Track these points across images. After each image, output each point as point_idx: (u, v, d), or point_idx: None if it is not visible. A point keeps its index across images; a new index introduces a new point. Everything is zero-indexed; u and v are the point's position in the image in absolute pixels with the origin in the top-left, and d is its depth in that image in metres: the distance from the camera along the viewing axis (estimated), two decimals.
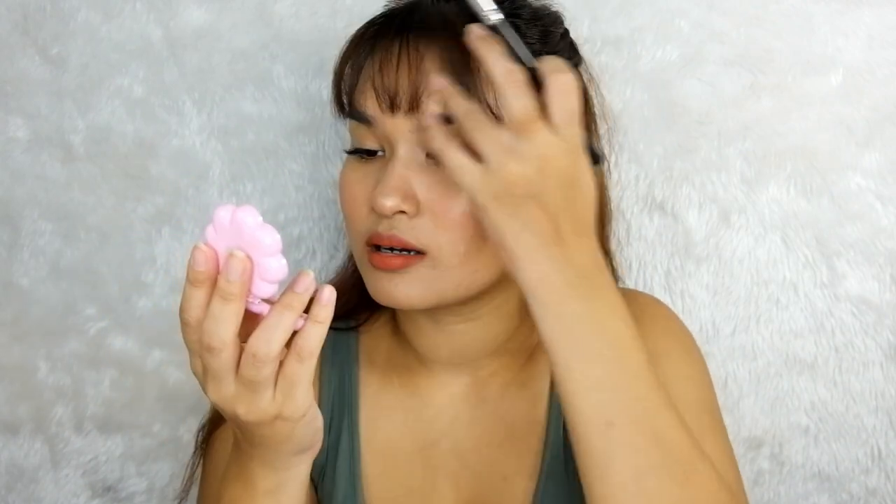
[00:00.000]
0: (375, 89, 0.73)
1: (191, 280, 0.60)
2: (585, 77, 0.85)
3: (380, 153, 0.76)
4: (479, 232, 0.74)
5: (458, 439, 0.83)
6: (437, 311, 0.80)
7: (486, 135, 0.65)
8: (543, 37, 0.78)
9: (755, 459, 0.99)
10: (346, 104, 0.77)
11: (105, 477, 1.04)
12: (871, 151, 0.95)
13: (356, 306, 0.87)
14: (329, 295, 0.61)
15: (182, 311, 0.61)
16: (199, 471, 0.88)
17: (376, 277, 0.75)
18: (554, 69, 0.65)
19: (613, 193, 0.97)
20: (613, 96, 0.96)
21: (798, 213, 0.96)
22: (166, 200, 1.00)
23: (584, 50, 0.95)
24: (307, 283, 0.60)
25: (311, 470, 0.78)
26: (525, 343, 0.85)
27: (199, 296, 0.60)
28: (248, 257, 0.59)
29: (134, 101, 0.99)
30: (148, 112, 0.99)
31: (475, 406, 0.84)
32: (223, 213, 0.59)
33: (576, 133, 0.65)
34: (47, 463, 1.04)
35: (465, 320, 0.80)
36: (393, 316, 0.87)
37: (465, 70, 0.72)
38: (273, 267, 0.59)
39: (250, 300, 0.60)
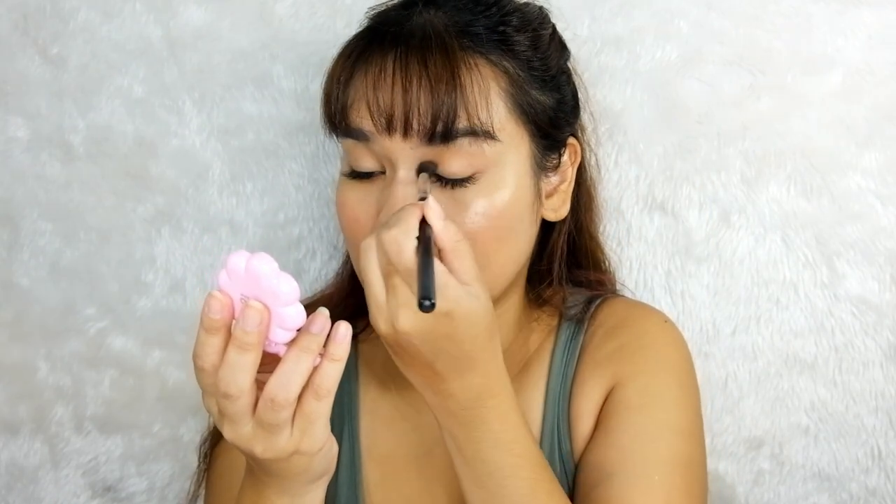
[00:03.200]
0: (370, 109, 0.72)
1: (206, 327, 0.59)
2: (574, 75, 0.85)
3: (377, 173, 0.75)
4: (491, 248, 0.74)
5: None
6: None
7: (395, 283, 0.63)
8: (534, 43, 0.78)
9: (755, 459, 0.99)
10: (339, 122, 0.76)
11: (105, 477, 1.04)
12: (871, 151, 0.94)
13: (353, 313, 0.86)
14: (345, 331, 0.60)
15: (196, 356, 0.60)
16: (203, 482, 0.88)
17: None
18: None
19: (614, 193, 0.97)
20: (613, 96, 0.96)
21: (798, 213, 0.96)
22: (166, 200, 1.00)
23: (584, 50, 0.96)
24: (322, 322, 0.60)
25: None
26: (519, 354, 0.85)
27: (214, 342, 0.59)
28: (266, 307, 0.58)
29: (134, 101, 0.99)
30: (148, 112, 0.99)
31: None
32: (237, 260, 0.58)
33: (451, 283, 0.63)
34: (47, 463, 1.04)
35: None
36: None
37: (450, 93, 0.71)
38: (290, 315, 0.59)
39: (266, 343, 0.60)
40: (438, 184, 0.73)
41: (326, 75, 0.78)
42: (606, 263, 0.93)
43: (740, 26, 0.95)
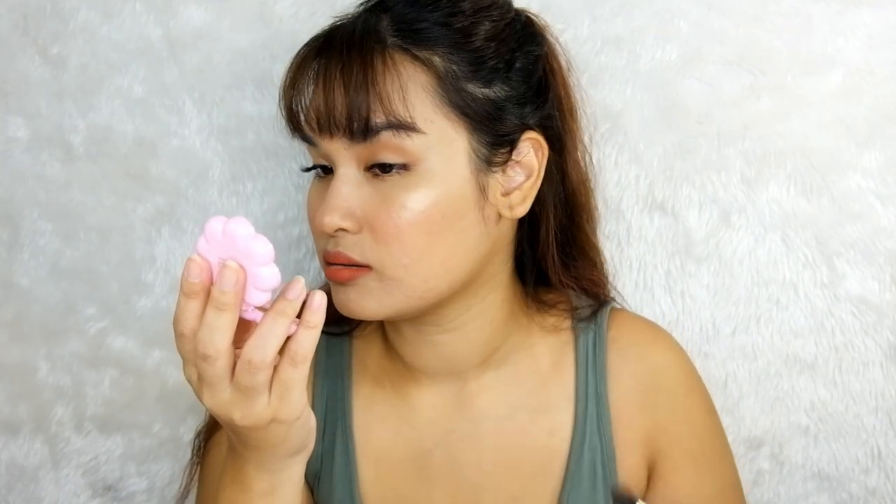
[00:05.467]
0: (305, 113, 0.76)
1: (185, 291, 0.61)
2: (555, 61, 0.84)
3: (331, 170, 0.77)
4: (422, 242, 0.74)
5: (454, 452, 0.83)
6: (416, 322, 0.80)
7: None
8: (488, 34, 0.77)
9: (755, 459, 0.99)
10: (291, 128, 0.78)
11: (105, 477, 1.04)
12: (871, 151, 0.94)
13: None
14: (320, 300, 0.62)
15: (176, 321, 0.62)
16: (196, 475, 0.88)
17: (335, 290, 0.77)
18: None
19: (614, 193, 0.97)
20: (613, 96, 0.96)
21: (798, 213, 0.96)
22: (166, 200, 1.00)
23: (584, 50, 0.96)
24: (298, 289, 0.62)
25: (306, 473, 0.78)
26: (521, 358, 0.85)
27: (193, 307, 0.61)
28: (242, 267, 0.60)
29: (134, 101, 0.99)
30: (148, 112, 0.99)
31: (475, 421, 0.83)
32: (215, 224, 0.60)
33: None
34: (47, 463, 1.04)
35: (445, 330, 0.81)
36: (382, 323, 0.87)
37: (363, 90, 0.73)
38: (266, 276, 0.60)
39: (244, 308, 0.61)
40: (374, 178, 0.74)
41: (281, 82, 0.80)
42: (601, 263, 0.92)
43: (740, 26, 0.95)
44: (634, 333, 0.87)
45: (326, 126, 0.74)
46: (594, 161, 0.97)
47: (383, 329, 0.87)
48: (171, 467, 1.04)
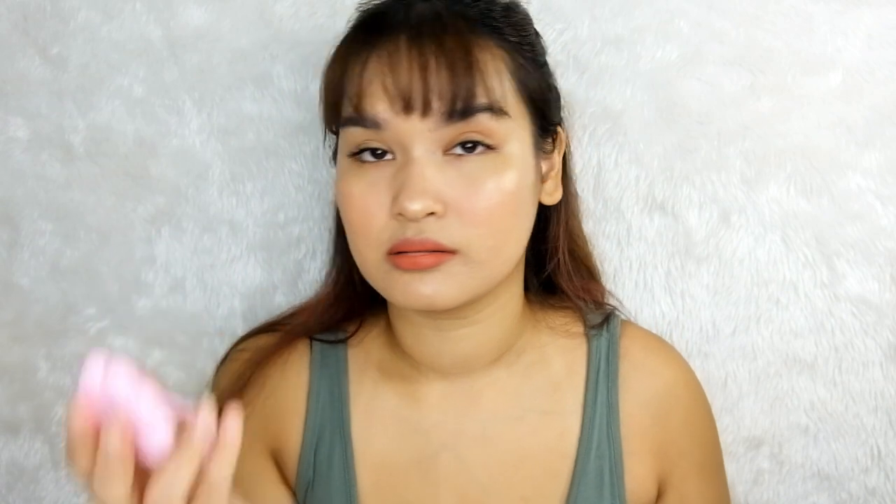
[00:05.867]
0: (388, 92, 0.72)
1: (71, 435, 0.58)
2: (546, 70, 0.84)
3: (388, 156, 0.74)
4: (507, 224, 0.74)
5: (462, 453, 0.83)
6: (440, 318, 0.79)
7: None
8: (520, 32, 0.79)
9: (755, 459, 0.99)
10: (350, 110, 0.75)
11: None
12: (871, 151, 0.95)
13: (343, 318, 0.87)
14: (234, 425, 0.58)
15: (68, 457, 0.58)
16: None
17: (405, 281, 0.73)
18: None
19: (614, 193, 0.97)
20: (614, 96, 0.96)
21: (798, 213, 0.96)
22: (166, 200, 1.00)
23: (584, 50, 0.96)
24: (206, 426, 0.58)
25: (294, 484, 0.81)
26: (533, 358, 0.85)
27: (83, 449, 0.58)
28: (129, 424, 0.56)
29: (134, 101, 0.99)
30: (148, 112, 0.99)
31: (484, 421, 0.83)
32: (93, 376, 0.55)
33: None
34: (48, 463, 1.04)
35: (469, 323, 0.80)
36: (387, 326, 0.86)
37: (468, 71, 0.72)
38: (155, 440, 0.56)
39: (142, 454, 0.57)
40: (455, 160, 0.73)
41: (328, 67, 0.78)
42: (594, 267, 0.93)
43: (740, 26, 0.95)
44: (647, 347, 0.87)
45: (419, 106, 0.71)
46: (594, 161, 0.97)
47: (387, 332, 0.86)
48: None
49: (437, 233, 0.72)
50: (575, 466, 0.82)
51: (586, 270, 0.91)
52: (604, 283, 0.94)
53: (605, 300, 0.92)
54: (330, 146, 0.85)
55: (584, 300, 0.88)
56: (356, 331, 0.87)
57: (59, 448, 1.03)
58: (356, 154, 0.75)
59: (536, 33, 0.83)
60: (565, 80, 0.96)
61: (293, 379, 0.86)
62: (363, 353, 0.87)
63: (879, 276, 0.95)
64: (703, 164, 0.96)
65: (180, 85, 0.99)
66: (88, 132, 1.00)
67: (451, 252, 0.73)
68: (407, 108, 0.72)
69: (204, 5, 0.98)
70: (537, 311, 0.87)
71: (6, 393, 1.03)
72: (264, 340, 0.88)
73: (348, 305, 0.87)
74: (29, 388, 1.03)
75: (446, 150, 0.73)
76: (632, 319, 0.92)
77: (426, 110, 0.72)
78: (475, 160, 0.73)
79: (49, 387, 1.02)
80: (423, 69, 0.72)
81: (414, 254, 0.72)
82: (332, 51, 0.79)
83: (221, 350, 0.98)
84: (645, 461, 0.84)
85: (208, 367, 0.95)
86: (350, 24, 0.80)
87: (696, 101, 0.95)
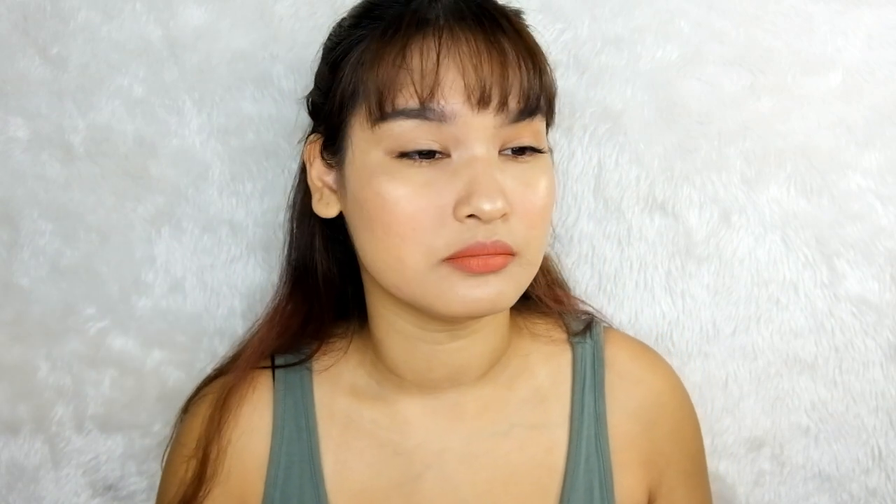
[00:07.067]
0: (466, 85, 0.69)
1: None
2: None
3: (438, 155, 0.71)
4: (549, 224, 0.75)
5: (447, 472, 0.80)
6: (441, 330, 0.77)
7: None
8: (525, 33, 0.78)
9: (756, 460, 0.99)
10: (406, 102, 0.70)
11: (106, 476, 1.04)
12: (871, 151, 0.94)
13: (300, 331, 0.84)
14: None
15: None
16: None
17: (468, 285, 0.70)
18: None
19: (614, 193, 0.97)
20: (614, 96, 0.96)
21: (798, 213, 0.96)
22: (166, 200, 1.00)
23: (585, 50, 0.96)
24: None
25: None
26: (507, 369, 0.83)
27: None
28: None
29: (134, 101, 0.99)
30: (148, 112, 0.99)
31: (470, 438, 0.81)
32: None
33: None
34: (48, 462, 1.04)
35: (466, 335, 0.78)
36: (360, 347, 0.83)
37: (537, 70, 0.72)
38: None
39: None
40: (507, 160, 0.72)
41: (359, 55, 0.73)
42: (556, 273, 0.92)
43: (740, 26, 0.95)
44: (632, 355, 0.87)
45: (496, 101, 0.69)
46: (595, 161, 0.97)
47: (361, 351, 0.83)
48: None
49: (506, 235, 0.70)
50: (564, 482, 0.80)
51: (552, 278, 0.90)
52: (574, 292, 0.95)
53: (580, 307, 0.91)
54: (299, 142, 0.84)
55: (561, 305, 0.88)
56: (317, 350, 0.84)
57: (59, 448, 1.03)
58: (404, 154, 0.70)
59: None
60: (565, 80, 0.96)
61: (255, 422, 0.83)
62: (331, 380, 0.83)
63: (879, 276, 0.95)
64: (703, 164, 0.96)
65: (180, 85, 0.99)
66: (88, 132, 1.00)
67: (514, 254, 0.71)
68: (482, 102, 0.69)
69: (204, 5, 0.98)
70: (518, 318, 0.86)
71: (6, 393, 1.03)
72: (222, 380, 0.85)
73: (302, 323, 0.84)
74: (29, 388, 1.03)
75: (501, 150, 0.72)
76: (612, 325, 0.92)
77: (501, 106, 0.70)
78: (526, 161, 0.73)
79: (49, 387, 1.02)
80: (503, 65, 0.70)
81: (485, 256, 0.69)
82: (356, 38, 0.74)
83: (221, 350, 0.99)
84: (634, 472, 0.83)
85: (208, 367, 0.95)
86: (371, 9, 0.75)
87: (697, 101, 0.95)
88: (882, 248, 0.95)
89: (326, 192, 0.80)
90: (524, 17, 0.78)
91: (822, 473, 0.98)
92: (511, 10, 0.76)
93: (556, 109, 0.81)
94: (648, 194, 0.97)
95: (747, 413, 0.98)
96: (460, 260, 0.69)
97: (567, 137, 0.97)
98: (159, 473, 1.04)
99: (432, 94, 0.69)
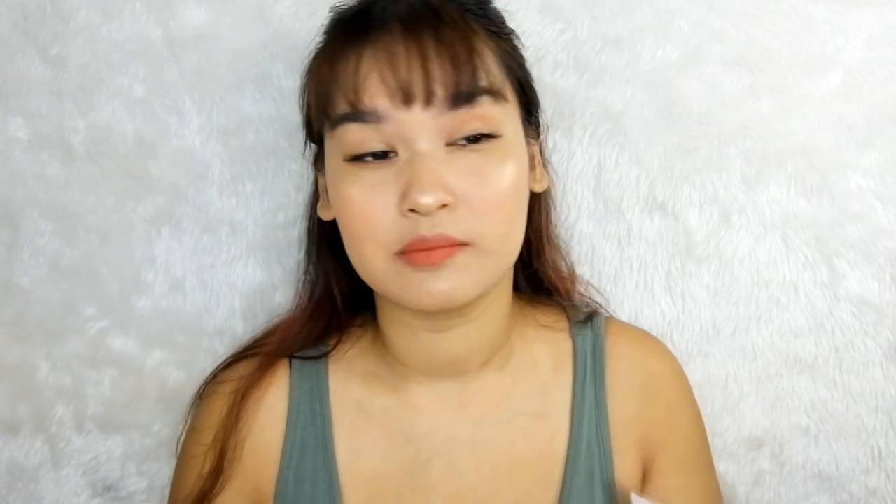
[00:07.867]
0: (387, 84, 0.71)
1: None
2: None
3: (391, 154, 0.73)
4: (514, 211, 0.74)
5: (454, 459, 0.82)
6: (439, 318, 0.79)
7: None
8: (499, 24, 0.80)
9: (756, 460, 0.99)
10: (342, 108, 0.74)
11: (105, 476, 1.04)
12: (871, 151, 0.94)
13: (323, 333, 0.86)
14: None
15: None
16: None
17: (420, 279, 0.72)
18: None
19: (614, 193, 0.97)
20: (614, 96, 0.96)
21: (798, 213, 0.96)
22: (166, 200, 1.00)
23: (585, 50, 0.96)
24: None
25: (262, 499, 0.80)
26: (511, 358, 0.84)
27: None
28: None
29: (134, 101, 0.99)
30: (148, 112, 0.99)
31: (475, 426, 0.83)
32: None
33: None
34: (48, 462, 1.04)
35: (465, 322, 0.80)
36: (372, 338, 0.85)
37: (468, 57, 0.72)
38: None
39: None
40: (458, 150, 0.73)
41: (313, 69, 0.78)
42: (564, 265, 0.93)
43: (740, 26, 0.95)
44: (631, 342, 0.88)
45: (421, 96, 0.71)
46: (595, 161, 0.97)
47: (373, 342, 0.85)
48: (172, 467, 1.03)
49: (450, 226, 0.71)
50: (565, 468, 0.82)
51: (563, 261, 0.91)
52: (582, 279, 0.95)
53: (586, 291, 0.92)
54: (307, 157, 0.86)
55: (570, 291, 0.89)
56: (337, 344, 0.85)
57: (59, 448, 1.03)
58: (356, 158, 0.74)
59: (511, 30, 0.83)
60: (565, 80, 0.96)
61: (272, 408, 0.85)
62: (345, 368, 0.85)
63: (879, 276, 0.95)
64: (703, 164, 0.96)
65: (180, 85, 0.99)
66: (88, 132, 1.00)
67: (463, 244, 0.72)
68: (407, 99, 0.71)
69: (204, 5, 0.98)
70: (524, 306, 0.87)
71: (6, 393, 1.03)
72: (243, 368, 0.86)
73: (327, 319, 0.86)
74: (29, 388, 1.03)
75: (449, 142, 0.73)
76: (613, 315, 0.93)
77: (429, 99, 0.71)
78: (479, 149, 0.73)
79: (49, 387, 1.02)
80: (423, 58, 0.71)
81: (427, 251, 0.71)
82: (314, 53, 0.79)
83: (221, 350, 0.99)
84: (632, 455, 0.84)
85: (208, 367, 0.94)
86: (328, 26, 0.80)
87: (697, 101, 0.95)
88: (882, 248, 0.95)
89: (324, 195, 0.83)
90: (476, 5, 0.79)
91: (821, 473, 0.98)
92: (452, 2, 0.77)
93: (534, 93, 0.82)
94: (648, 194, 0.97)
95: (747, 413, 0.98)
96: (408, 255, 0.72)
97: (567, 137, 0.97)
98: (159, 473, 1.04)
99: (358, 97, 0.72)
